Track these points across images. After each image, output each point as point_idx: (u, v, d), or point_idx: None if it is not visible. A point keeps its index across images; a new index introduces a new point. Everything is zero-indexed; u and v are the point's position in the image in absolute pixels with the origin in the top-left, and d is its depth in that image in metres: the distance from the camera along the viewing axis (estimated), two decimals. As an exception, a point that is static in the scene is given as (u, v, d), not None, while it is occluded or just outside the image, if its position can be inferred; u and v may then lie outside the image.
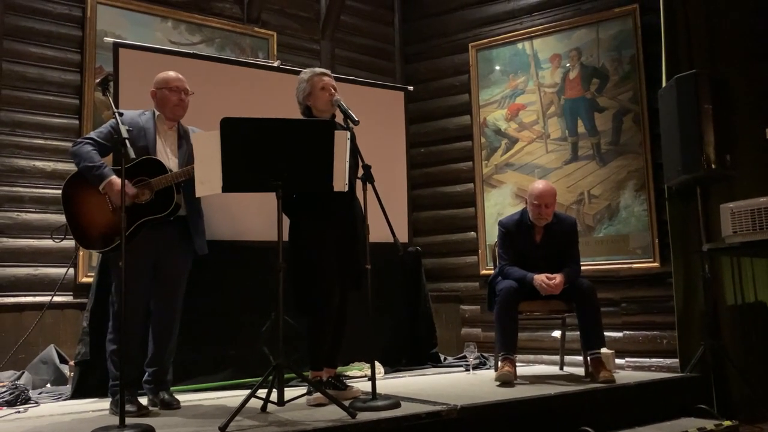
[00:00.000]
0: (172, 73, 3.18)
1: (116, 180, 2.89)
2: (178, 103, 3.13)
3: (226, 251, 3.83)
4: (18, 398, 3.19)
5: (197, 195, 2.84)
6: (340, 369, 3.77)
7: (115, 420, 2.43)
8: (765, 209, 3.68)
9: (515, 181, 5.49)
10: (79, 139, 3.08)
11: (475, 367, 4.26)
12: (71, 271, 4.33)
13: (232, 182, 2.72)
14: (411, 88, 5.13)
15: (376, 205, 2.89)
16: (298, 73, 3.39)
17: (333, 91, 3.17)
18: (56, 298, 4.08)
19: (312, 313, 3.06)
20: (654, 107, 4.67)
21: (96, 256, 3.96)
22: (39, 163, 4.44)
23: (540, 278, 3.62)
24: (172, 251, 3.07)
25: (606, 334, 3.84)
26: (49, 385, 3.81)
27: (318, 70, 3.27)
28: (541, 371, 4.12)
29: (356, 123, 2.99)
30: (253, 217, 3.99)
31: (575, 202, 5.20)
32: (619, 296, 4.92)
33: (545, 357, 4.97)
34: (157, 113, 3.16)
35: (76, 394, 3.43)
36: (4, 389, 3.23)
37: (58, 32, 4.60)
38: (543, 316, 3.99)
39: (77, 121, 4.57)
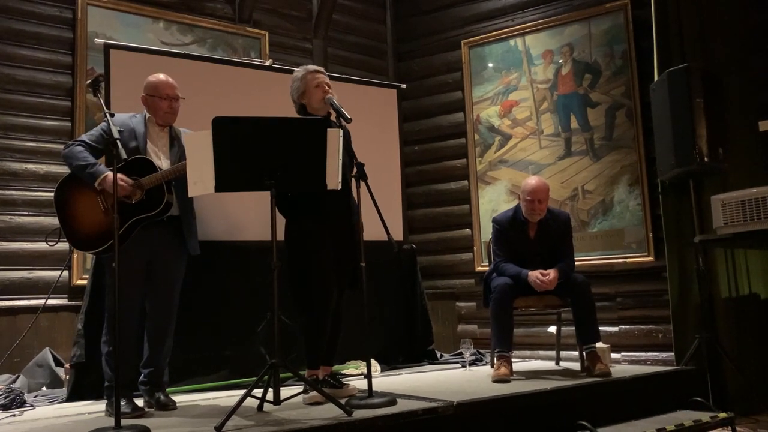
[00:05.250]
0: (162, 78, 3.15)
1: (112, 175, 2.88)
2: (168, 111, 3.13)
3: (221, 251, 3.83)
4: (13, 402, 3.18)
5: (190, 195, 2.84)
6: (336, 367, 3.78)
7: (110, 421, 2.43)
8: (756, 200, 3.69)
9: (509, 177, 5.50)
10: (69, 142, 3.08)
11: (472, 364, 4.26)
12: (65, 273, 4.32)
13: (224, 182, 2.71)
14: (404, 85, 5.13)
15: (370, 203, 2.89)
16: (290, 72, 3.38)
17: (327, 88, 3.16)
18: (51, 301, 4.07)
19: (308, 312, 3.06)
20: (647, 102, 4.68)
21: (90, 258, 3.95)
22: (32, 166, 4.43)
23: (534, 274, 3.63)
24: (166, 251, 3.07)
25: (601, 328, 3.85)
26: (44, 388, 3.80)
27: (311, 67, 3.26)
28: (537, 367, 4.13)
29: (349, 121, 2.98)
30: (248, 216, 3.98)
31: (569, 197, 5.21)
32: (614, 291, 4.93)
33: (541, 352, 4.98)
34: (147, 115, 3.16)
35: (72, 397, 3.42)
36: (-1, 393, 3.23)
37: (49, 34, 4.59)
38: (538, 311, 4.00)
39: (69, 124, 4.56)
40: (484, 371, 3.96)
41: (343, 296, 3.19)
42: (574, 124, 5.26)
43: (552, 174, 5.24)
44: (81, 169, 2.94)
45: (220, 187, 2.71)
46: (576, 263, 3.87)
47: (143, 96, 3.15)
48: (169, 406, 2.98)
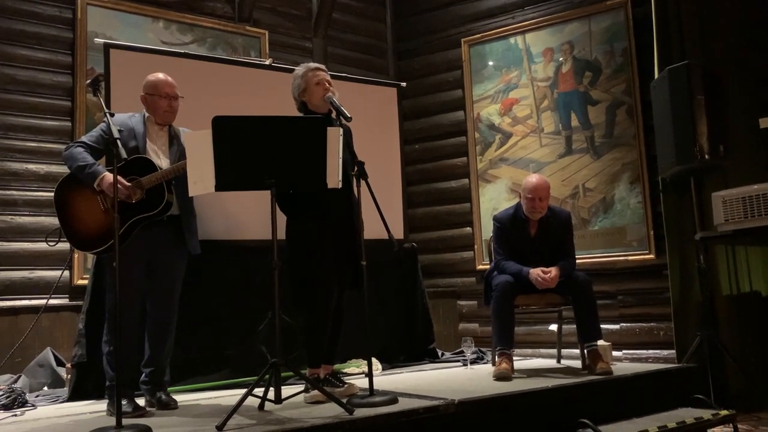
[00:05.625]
0: (161, 78, 3.15)
1: (110, 176, 2.89)
2: (168, 109, 3.13)
3: (222, 250, 3.83)
4: (15, 401, 3.18)
5: (190, 194, 2.84)
6: (337, 366, 3.78)
7: (112, 421, 2.42)
8: (756, 197, 3.69)
9: (510, 175, 5.49)
10: (70, 143, 3.09)
11: (473, 362, 4.26)
12: (66, 273, 4.32)
13: (224, 181, 2.71)
14: (404, 84, 5.12)
15: (370, 202, 2.89)
16: (290, 71, 3.37)
17: (328, 85, 3.16)
18: (52, 301, 4.07)
19: (309, 311, 3.06)
20: (647, 99, 4.68)
21: (91, 257, 3.96)
22: (32, 166, 4.43)
23: (535, 272, 3.62)
24: (166, 251, 3.06)
25: (603, 326, 3.85)
26: (46, 388, 3.80)
27: (312, 65, 3.25)
28: (538, 365, 4.12)
29: (349, 120, 2.98)
30: (248, 215, 3.98)
31: (570, 195, 5.21)
32: (616, 289, 4.93)
33: (543, 350, 4.98)
34: (147, 115, 3.16)
35: (74, 397, 3.42)
36: (0, 393, 3.22)
37: (49, 34, 4.59)
38: (539, 309, 3.99)
39: (70, 124, 4.56)
40: (486, 369, 3.95)
41: (344, 295, 3.19)
42: (574, 122, 5.26)
43: (553, 172, 5.24)
44: (80, 170, 2.94)
45: (220, 186, 2.71)
46: (577, 261, 3.86)
47: (142, 95, 3.15)
48: (170, 406, 2.98)
